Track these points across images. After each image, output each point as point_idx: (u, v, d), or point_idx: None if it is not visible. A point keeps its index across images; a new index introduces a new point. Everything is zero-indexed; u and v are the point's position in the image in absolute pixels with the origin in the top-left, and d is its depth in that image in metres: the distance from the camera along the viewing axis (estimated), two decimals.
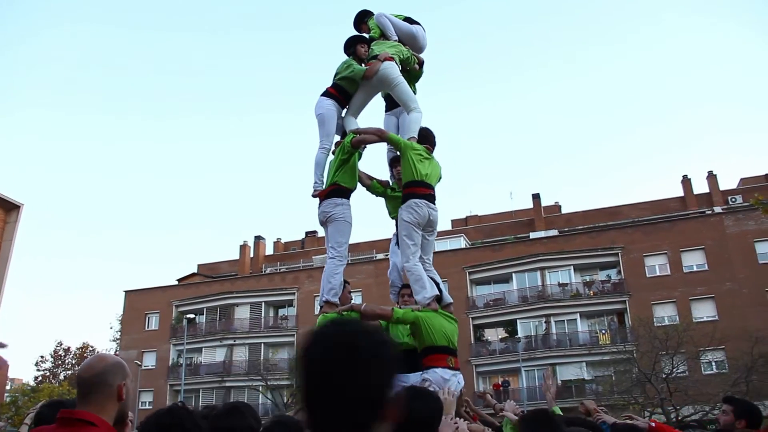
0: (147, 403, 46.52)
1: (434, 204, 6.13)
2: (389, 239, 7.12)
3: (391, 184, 6.86)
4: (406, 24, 7.14)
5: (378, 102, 7.26)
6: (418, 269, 5.88)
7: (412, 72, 7.09)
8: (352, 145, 6.30)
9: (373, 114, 6.56)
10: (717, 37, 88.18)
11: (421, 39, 7.18)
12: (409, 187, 6.05)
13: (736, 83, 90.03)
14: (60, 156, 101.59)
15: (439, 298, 5.84)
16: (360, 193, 6.57)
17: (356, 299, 11.99)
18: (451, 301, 6.14)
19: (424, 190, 6.03)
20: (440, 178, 6.44)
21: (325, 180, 6.45)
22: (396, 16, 7.17)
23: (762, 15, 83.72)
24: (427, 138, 6.39)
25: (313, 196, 6.46)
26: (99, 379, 2.41)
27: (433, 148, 6.42)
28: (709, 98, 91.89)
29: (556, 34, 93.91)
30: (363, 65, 6.67)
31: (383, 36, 7.00)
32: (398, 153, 6.38)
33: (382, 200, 6.91)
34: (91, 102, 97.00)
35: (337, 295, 6.03)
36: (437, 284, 6.00)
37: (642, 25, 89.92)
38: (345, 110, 6.87)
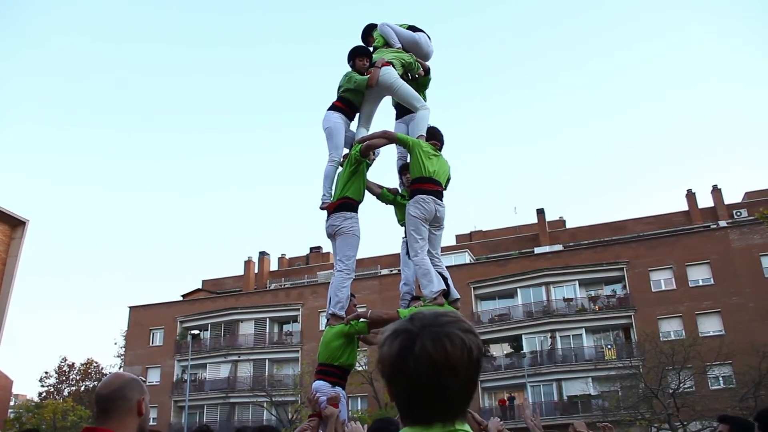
0: (151, 419, 46.36)
1: (442, 200, 6.19)
2: (394, 254, 7.19)
3: (400, 191, 6.91)
4: (409, 32, 7.21)
5: (389, 112, 7.35)
6: (426, 263, 5.94)
7: (420, 79, 7.19)
8: (361, 154, 6.35)
9: (384, 125, 6.73)
10: (721, 49, 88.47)
11: (424, 46, 7.24)
12: (416, 183, 6.13)
13: (740, 96, 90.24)
14: (65, 172, 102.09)
15: (446, 293, 5.88)
16: (364, 210, 6.61)
17: None
18: (459, 296, 6.17)
19: (431, 186, 6.09)
20: (450, 177, 6.49)
21: (333, 193, 6.51)
22: (400, 26, 7.25)
23: (766, 27, 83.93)
24: (434, 135, 6.47)
25: (321, 208, 6.50)
26: (118, 394, 2.41)
27: (441, 146, 6.49)
28: (713, 111, 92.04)
29: (559, 47, 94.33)
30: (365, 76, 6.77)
31: (387, 45, 7.09)
32: (408, 160, 6.44)
33: (387, 216, 6.96)
34: (96, 117, 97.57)
35: (344, 309, 6.05)
36: (445, 279, 6.04)
37: (646, 38, 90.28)
38: (356, 123, 6.96)
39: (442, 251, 6.63)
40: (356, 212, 6.40)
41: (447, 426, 1.44)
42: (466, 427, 1.47)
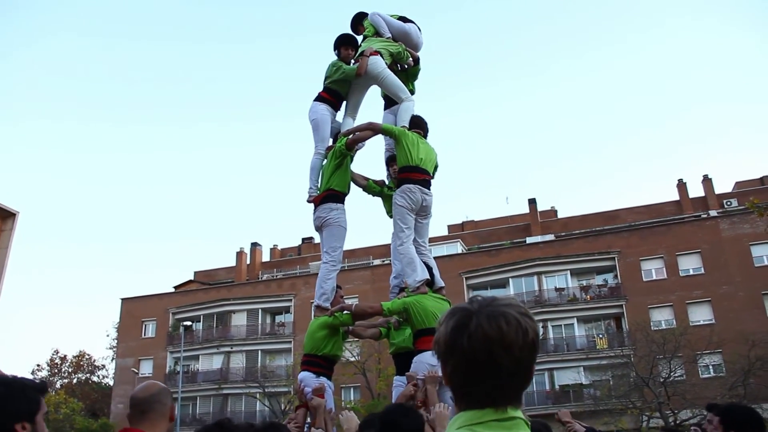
0: None
1: (429, 189, 6.17)
2: (386, 245, 7.18)
3: (387, 183, 6.88)
4: (400, 22, 7.21)
5: (377, 102, 7.32)
6: (410, 252, 5.94)
7: (409, 70, 7.17)
8: (347, 147, 6.33)
9: (372, 116, 6.73)
10: (712, 39, 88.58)
11: (414, 37, 7.24)
12: (403, 172, 6.11)
13: (731, 85, 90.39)
14: (56, 165, 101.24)
15: (431, 282, 5.89)
16: (356, 201, 6.60)
17: None
18: (443, 285, 6.18)
19: (418, 176, 6.07)
20: (437, 165, 6.46)
21: (319, 185, 6.49)
22: (391, 16, 7.23)
23: (757, 15, 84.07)
24: (418, 125, 6.46)
25: (308, 201, 6.50)
26: (156, 398, 2.70)
27: (425, 135, 6.47)
28: (703, 101, 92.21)
29: (551, 38, 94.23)
30: (351, 65, 6.74)
31: (377, 34, 7.06)
32: (395, 152, 6.42)
33: (379, 206, 6.93)
34: (88, 111, 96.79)
35: (329, 300, 6.07)
36: (430, 268, 6.03)
37: (636, 28, 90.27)
38: (343, 113, 6.94)
39: (433, 241, 6.65)
40: (342, 203, 6.39)
41: (500, 411, 1.43)
42: (520, 413, 1.46)
